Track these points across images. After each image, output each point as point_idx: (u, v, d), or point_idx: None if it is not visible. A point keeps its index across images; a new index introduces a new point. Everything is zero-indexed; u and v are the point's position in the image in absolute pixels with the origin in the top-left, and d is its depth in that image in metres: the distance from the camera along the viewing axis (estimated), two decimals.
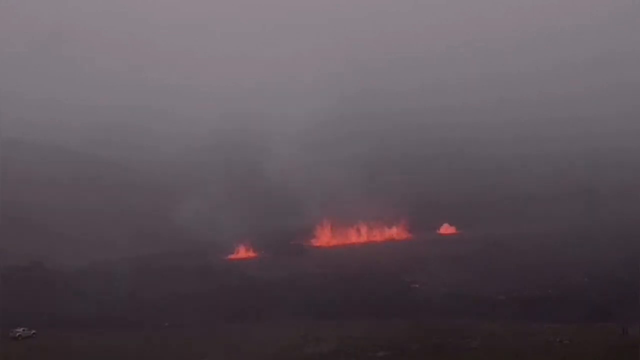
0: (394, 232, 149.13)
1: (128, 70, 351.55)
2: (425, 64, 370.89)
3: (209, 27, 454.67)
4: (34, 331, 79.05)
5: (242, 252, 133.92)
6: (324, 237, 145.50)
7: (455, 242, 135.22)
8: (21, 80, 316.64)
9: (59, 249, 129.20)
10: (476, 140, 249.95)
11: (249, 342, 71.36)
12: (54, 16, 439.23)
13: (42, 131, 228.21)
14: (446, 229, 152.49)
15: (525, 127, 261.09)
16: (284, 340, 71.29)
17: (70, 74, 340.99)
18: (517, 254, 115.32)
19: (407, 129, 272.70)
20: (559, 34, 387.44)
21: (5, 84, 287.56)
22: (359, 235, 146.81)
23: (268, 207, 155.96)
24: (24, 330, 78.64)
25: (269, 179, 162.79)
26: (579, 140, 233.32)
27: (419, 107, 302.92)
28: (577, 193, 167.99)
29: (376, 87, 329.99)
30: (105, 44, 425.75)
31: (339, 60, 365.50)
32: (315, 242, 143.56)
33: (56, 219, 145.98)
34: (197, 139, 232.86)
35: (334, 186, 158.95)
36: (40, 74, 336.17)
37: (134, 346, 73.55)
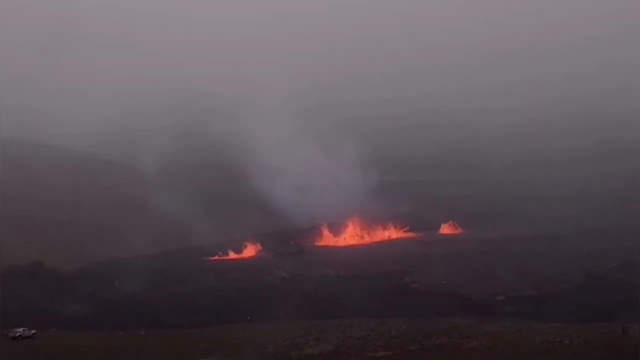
0: (394, 232, 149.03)
1: (126, 70, 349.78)
2: (426, 67, 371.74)
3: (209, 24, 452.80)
4: (34, 331, 79.06)
5: (242, 252, 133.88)
6: (324, 237, 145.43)
7: (455, 242, 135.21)
8: (21, 79, 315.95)
9: (59, 249, 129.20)
10: (477, 140, 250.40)
11: (249, 342, 71.37)
12: (55, 16, 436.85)
13: (42, 131, 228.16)
14: (446, 229, 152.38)
15: (525, 127, 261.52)
16: (284, 340, 71.32)
17: (70, 74, 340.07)
18: (517, 254, 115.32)
19: (407, 129, 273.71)
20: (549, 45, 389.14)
21: (5, 84, 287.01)
22: (358, 235, 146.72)
23: (268, 207, 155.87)
24: (24, 330, 78.65)
25: (269, 177, 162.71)
26: (579, 141, 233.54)
27: (420, 108, 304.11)
28: (577, 193, 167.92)
29: (376, 90, 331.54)
30: (104, 44, 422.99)
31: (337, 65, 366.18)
32: (316, 242, 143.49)
33: (56, 219, 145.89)
34: (196, 139, 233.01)
35: (334, 186, 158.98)
36: (40, 74, 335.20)
37: (134, 346, 73.59)
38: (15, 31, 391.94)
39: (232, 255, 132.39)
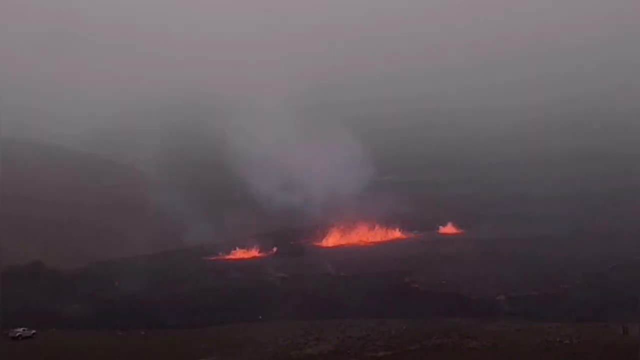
0: (394, 232, 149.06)
1: (126, 70, 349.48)
2: (426, 67, 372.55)
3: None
4: (34, 331, 79.04)
5: (242, 252, 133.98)
6: (324, 237, 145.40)
7: (455, 242, 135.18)
8: (21, 79, 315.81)
9: (59, 249, 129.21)
10: (477, 140, 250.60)
11: (249, 342, 71.36)
12: (55, 16, 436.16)
13: (42, 131, 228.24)
14: (447, 229, 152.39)
15: (525, 127, 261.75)
16: (284, 340, 71.33)
17: (70, 74, 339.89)
18: (517, 254, 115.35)
19: (407, 129, 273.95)
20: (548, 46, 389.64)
21: (5, 84, 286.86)
22: (359, 236, 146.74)
23: (268, 207, 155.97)
24: (24, 330, 78.63)
25: (269, 178, 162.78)
26: (579, 141, 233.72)
27: (419, 108, 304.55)
28: (577, 193, 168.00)
29: (376, 90, 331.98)
30: (104, 44, 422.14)
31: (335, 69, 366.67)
32: (316, 242, 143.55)
33: (56, 219, 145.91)
34: (196, 139, 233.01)
35: (334, 186, 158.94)
36: (40, 74, 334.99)
37: (134, 346, 73.57)
38: (15, 31, 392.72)
39: (232, 255, 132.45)
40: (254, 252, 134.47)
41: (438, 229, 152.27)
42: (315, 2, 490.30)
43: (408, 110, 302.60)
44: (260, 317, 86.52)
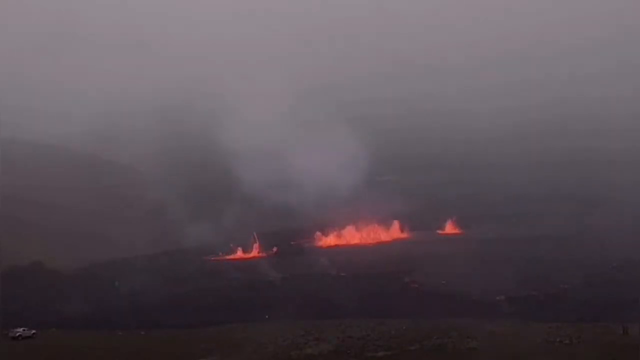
0: (394, 232, 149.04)
1: (126, 70, 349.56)
2: (426, 67, 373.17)
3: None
4: (34, 331, 79.00)
5: (242, 252, 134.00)
6: (324, 237, 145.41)
7: (455, 242, 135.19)
8: (21, 79, 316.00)
9: (59, 249, 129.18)
10: (476, 140, 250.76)
11: (249, 342, 71.35)
12: (55, 16, 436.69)
13: (42, 131, 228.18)
14: (447, 228, 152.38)
15: (525, 127, 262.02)
16: (284, 340, 71.30)
17: (70, 74, 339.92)
18: (517, 254, 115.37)
19: (407, 129, 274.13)
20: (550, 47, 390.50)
21: (5, 84, 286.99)
22: (358, 236, 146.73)
23: (268, 207, 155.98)
24: (24, 330, 78.59)
25: (269, 178, 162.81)
26: (578, 141, 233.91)
27: (420, 108, 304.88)
28: (577, 194, 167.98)
29: (376, 90, 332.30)
30: (104, 44, 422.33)
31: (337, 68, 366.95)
32: (316, 243, 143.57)
33: (56, 219, 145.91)
34: (195, 139, 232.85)
35: (334, 186, 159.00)
36: (40, 74, 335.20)
37: (134, 346, 73.57)
38: (15, 31, 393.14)
39: (232, 255, 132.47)
40: (254, 252, 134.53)
41: (438, 229, 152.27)
42: (315, 2, 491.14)
43: (408, 110, 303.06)
44: (267, 317, 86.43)
